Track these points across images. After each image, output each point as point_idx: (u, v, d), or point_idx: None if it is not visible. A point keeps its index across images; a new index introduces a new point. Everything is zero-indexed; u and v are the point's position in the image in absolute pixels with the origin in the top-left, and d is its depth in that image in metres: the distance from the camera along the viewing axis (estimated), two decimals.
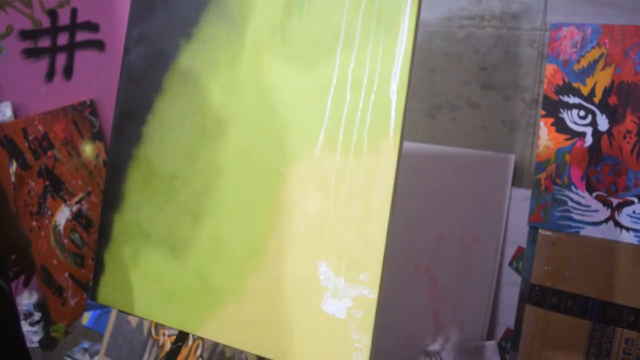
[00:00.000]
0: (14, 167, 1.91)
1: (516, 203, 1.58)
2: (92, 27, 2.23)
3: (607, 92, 1.40)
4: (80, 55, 2.20)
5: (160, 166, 1.13)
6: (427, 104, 1.72)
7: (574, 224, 1.45)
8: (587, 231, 1.44)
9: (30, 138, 1.98)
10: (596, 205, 1.43)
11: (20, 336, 1.05)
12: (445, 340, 1.63)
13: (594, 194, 1.43)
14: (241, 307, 1.02)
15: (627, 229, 1.39)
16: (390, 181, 0.93)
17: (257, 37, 1.04)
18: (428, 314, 1.65)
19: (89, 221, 2.23)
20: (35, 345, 1.97)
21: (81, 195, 2.20)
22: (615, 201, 1.40)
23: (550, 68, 1.47)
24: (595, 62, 1.41)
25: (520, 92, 1.58)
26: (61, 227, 2.11)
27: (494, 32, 1.59)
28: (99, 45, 2.28)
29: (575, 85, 1.44)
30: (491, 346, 1.58)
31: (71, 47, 2.16)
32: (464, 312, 1.62)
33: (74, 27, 2.15)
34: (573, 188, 1.45)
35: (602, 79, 1.41)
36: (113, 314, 1.81)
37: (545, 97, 1.49)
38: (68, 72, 2.16)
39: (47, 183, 2.05)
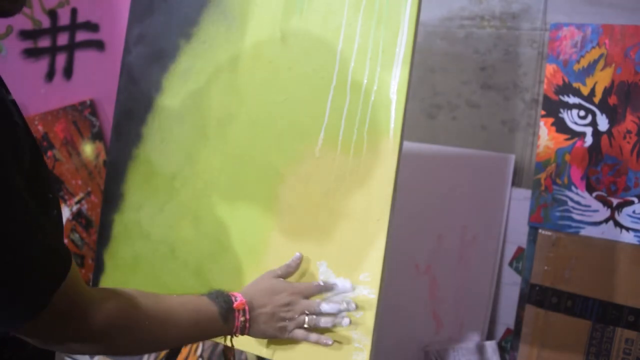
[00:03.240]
0: None
1: (516, 203, 1.58)
2: (92, 27, 2.23)
3: (607, 92, 1.40)
4: (80, 55, 2.19)
5: (160, 166, 1.13)
6: (427, 104, 1.72)
7: (574, 224, 1.45)
8: (587, 231, 1.44)
9: None
10: (596, 205, 1.43)
11: None
12: (445, 340, 1.63)
13: (594, 194, 1.43)
14: None
15: (627, 229, 1.39)
16: (390, 181, 0.93)
17: (257, 37, 1.04)
18: (428, 314, 1.65)
19: (89, 221, 2.23)
20: None
21: (81, 195, 2.20)
22: (615, 201, 1.40)
23: (550, 68, 1.47)
24: (595, 62, 1.41)
25: (520, 92, 1.58)
26: None
27: (494, 32, 1.59)
28: (99, 45, 2.28)
29: (575, 85, 1.44)
30: (491, 346, 1.58)
31: (71, 47, 2.16)
32: (464, 312, 1.62)
33: (74, 27, 2.15)
34: (573, 188, 1.45)
35: (602, 79, 1.41)
36: None
37: (545, 97, 1.49)
38: (68, 72, 2.16)
39: None
